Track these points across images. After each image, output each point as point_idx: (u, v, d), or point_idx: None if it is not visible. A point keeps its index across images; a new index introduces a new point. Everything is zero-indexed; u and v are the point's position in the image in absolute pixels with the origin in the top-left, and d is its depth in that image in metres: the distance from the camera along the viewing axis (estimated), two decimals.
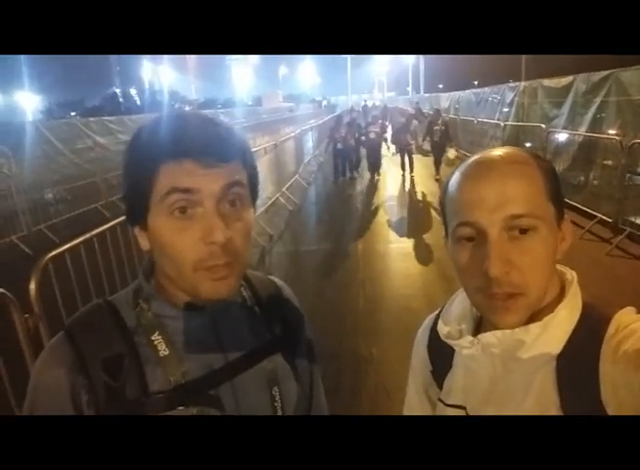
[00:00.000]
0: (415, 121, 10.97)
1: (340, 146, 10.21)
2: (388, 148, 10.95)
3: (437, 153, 9.96)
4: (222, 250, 0.58)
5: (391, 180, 10.38)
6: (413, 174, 10.18)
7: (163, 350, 0.62)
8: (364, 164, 11.07)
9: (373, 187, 9.79)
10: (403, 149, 10.34)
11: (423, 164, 11.14)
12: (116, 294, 0.69)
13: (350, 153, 10.73)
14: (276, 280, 0.82)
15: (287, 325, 0.75)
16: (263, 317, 0.73)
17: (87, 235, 2.87)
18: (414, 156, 10.48)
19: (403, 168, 10.44)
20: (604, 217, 5.62)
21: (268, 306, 0.75)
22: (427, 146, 11.31)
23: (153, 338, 0.63)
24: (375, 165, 10.52)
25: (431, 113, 12.10)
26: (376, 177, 10.45)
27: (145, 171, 0.59)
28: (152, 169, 0.58)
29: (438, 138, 9.89)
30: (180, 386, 0.61)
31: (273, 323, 0.73)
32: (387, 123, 11.68)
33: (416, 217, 7.07)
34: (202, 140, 0.58)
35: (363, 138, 10.45)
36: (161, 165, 0.58)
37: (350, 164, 10.83)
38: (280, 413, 0.68)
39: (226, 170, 0.59)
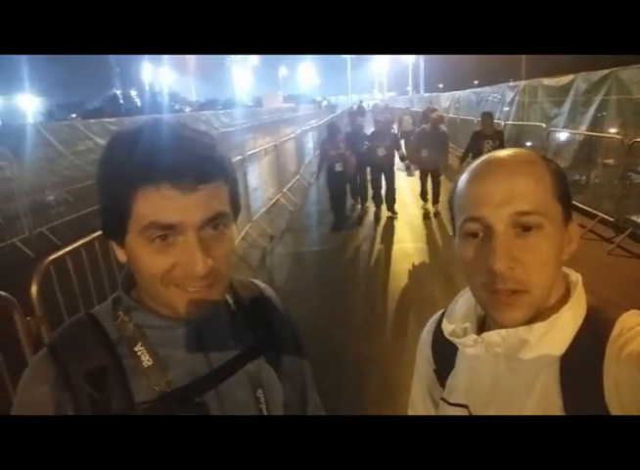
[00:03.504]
0: (443, 128, 7.18)
1: (339, 168, 6.66)
2: (409, 168, 7.58)
3: None
4: (202, 278, 0.58)
5: (406, 221, 6.70)
6: (438, 208, 6.84)
7: (147, 360, 0.62)
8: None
9: (386, 236, 6.17)
10: (426, 170, 6.94)
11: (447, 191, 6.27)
12: (98, 306, 0.68)
13: (356, 177, 7.23)
14: (258, 282, 0.83)
15: (269, 327, 0.75)
16: (246, 321, 0.73)
17: (88, 238, 2.87)
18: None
19: (425, 198, 7.06)
20: (605, 217, 5.61)
21: (251, 310, 0.75)
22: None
23: (136, 349, 0.63)
24: (388, 198, 6.91)
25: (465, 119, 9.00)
26: (383, 215, 6.94)
27: (121, 195, 0.57)
28: (128, 194, 0.56)
29: None
30: (165, 395, 0.61)
31: (256, 326, 0.74)
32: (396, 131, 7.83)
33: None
34: (180, 162, 0.55)
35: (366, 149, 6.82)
36: (138, 190, 0.56)
37: (361, 194, 7.46)
38: (265, 414, 0.69)
39: (207, 193, 0.57)
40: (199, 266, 0.56)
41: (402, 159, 7.28)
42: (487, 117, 6.83)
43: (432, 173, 6.89)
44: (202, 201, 0.57)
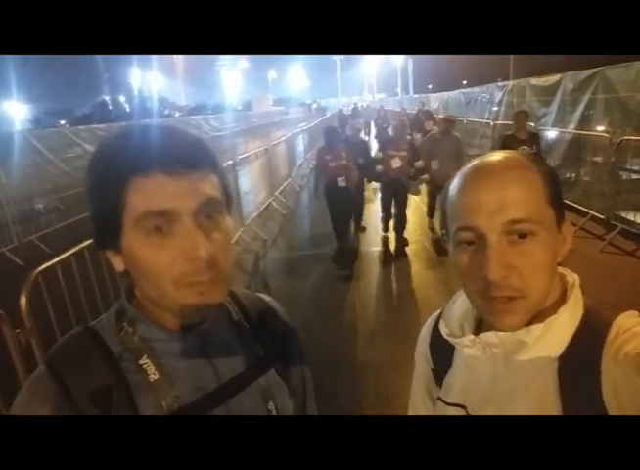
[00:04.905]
0: (455, 133, 6.01)
1: (342, 182, 5.18)
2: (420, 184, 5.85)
3: None
4: (206, 265, 0.56)
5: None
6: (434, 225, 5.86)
7: (153, 374, 0.60)
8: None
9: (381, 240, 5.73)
10: (436, 185, 5.63)
11: None
12: (97, 320, 0.66)
13: (359, 196, 5.91)
14: (263, 295, 0.82)
15: (277, 340, 0.74)
16: (253, 334, 0.72)
17: (77, 247, 2.83)
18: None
19: (431, 216, 6.03)
20: (595, 214, 5.66)
21: (258, 322, 0.74)
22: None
23: (141, 362, 0.60)
24: (399, 220, 5.56)
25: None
26: (392, 240, 5.75)
27: (113, 190, 0.56)
28: (120, 187, 0.56)
29: None
30: (173, 411, 0.59)
31: (263, 339, 0.72)
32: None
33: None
34: (167, 148, 0.56)
35: (380, 168, 5.34)
36: (130, 182, 0.55)
37: (358, 211, 6.19)
38: None
39: (197, 179, 0.57)
40: (201, 249, 0.55)
41: (420, 172, 5.56)
42: (522, 116, 5.43)
43: (439, 190, 5.32)
44: (193, 186, 0.56)
